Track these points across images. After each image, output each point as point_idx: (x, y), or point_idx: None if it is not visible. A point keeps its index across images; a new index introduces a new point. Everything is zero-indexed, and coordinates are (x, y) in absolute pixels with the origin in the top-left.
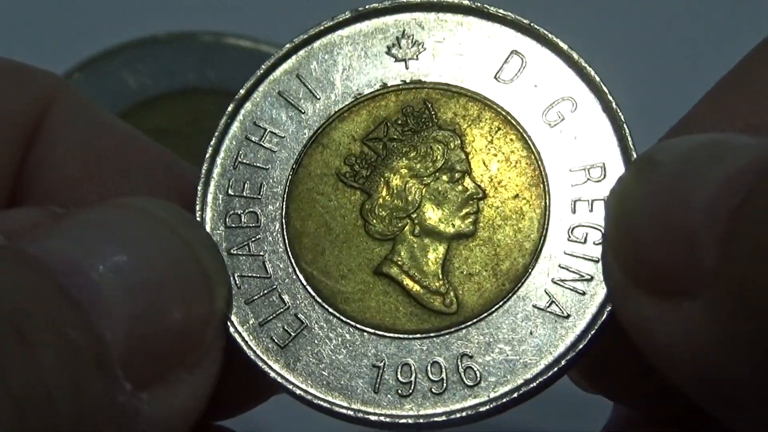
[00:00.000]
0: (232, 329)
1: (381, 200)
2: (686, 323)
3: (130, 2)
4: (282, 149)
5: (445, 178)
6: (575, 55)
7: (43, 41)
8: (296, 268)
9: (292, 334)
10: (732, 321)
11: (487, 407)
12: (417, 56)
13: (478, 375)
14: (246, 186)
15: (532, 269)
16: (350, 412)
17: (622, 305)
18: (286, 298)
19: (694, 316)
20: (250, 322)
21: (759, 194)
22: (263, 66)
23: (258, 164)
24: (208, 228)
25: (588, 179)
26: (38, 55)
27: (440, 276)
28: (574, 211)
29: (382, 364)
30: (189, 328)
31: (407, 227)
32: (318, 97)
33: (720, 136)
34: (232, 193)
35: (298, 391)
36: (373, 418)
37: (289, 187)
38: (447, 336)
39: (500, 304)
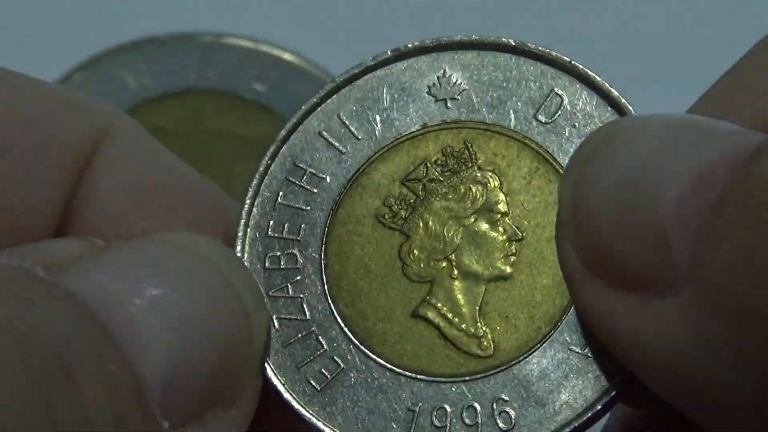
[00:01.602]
0: (270, 371)
1: (419, 242)
2: (656, 322)
3: (131, 2)
4: (322, 190)
5: (483, 219)
6: (615, 94)
7: (44, 41)
8: (334, 311)
9: (329, 377)
10: (707, 323)
11: None
12: (457, 96)
13: (513, 419)
14: (285, 227)
15: (569, 312)
16: None
17: (579, 294)
18: (323, 340)
19: (665, 315)
20: (288, 364)
21: (732, 194)
22: (303, 107)
23: (298, 205)
24: (249, 269)
25: None
26: (39, 55)
27: (477, 318)
28: None
29: (417, 408)
30: (228, 368)
31: (445, 269)
32: (359, 137)
33: (693, 118)
34: (272, 235)
35: None
36: None
37: (328, 229)
38: (483, 380)
39: (536, 347)
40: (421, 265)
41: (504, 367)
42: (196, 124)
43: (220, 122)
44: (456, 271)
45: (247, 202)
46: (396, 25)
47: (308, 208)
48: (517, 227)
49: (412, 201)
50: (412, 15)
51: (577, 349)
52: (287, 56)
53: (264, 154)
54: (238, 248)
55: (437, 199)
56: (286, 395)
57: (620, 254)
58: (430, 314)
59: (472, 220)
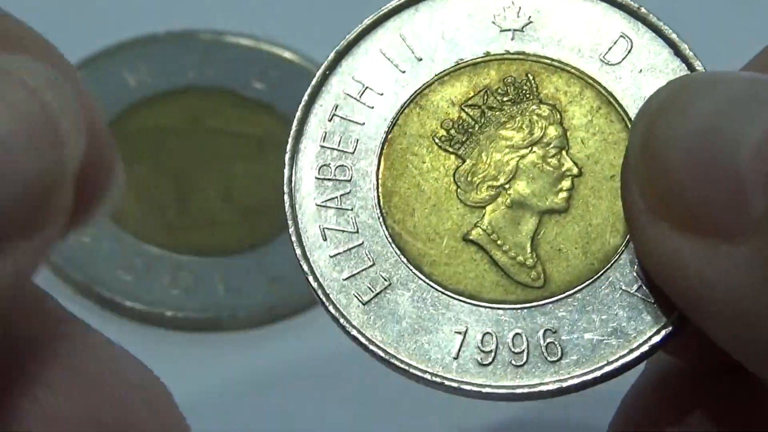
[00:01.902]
0: (313, 281)
1: (475, 168)
2: (723, 266)
3: (130, 1)
4: (379, 107)
5: (541, 152)
6: (684, 46)
7: None
8: (384, 227)
9: (375, 291)
10: None
11: (567, 384)
12: (523, 28)
13: (560, 351)
14: (340, 139)
15: (622, 251)
16: (427, 375)
17: (642, 236)
18: (371, 255)
19: (734, 260)
20: (334, 276)
21: None
22: (366, 21)
23: (353, 119)
24: (299, 176)
25: None
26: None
27: (529, 249)
28: None
29: (464, 330)
30: (32, 195)
31: (500, 197)
32: (419, 58)
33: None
34: (325, 145)
35: (376, 350)
36: (450, 383)
37: (383, 145)
38: (532, 309)
39: (588, 283)
40: (476, 191)
41: (554, 299)
42: (195, 123)
43: (220, 121)
44: (510, 200)
45: (301, 109)
46: None
47: (363, 123)
48: (575, 163)
49: (470, 126)
50: None
51: (630, 289)
52: (287, 55)
53: (322, 66)
54: (288, 156)
55: (496, 127)
56: (330, 307)
57: (692, 199)
58: (482, 240)
59: (529, 151)
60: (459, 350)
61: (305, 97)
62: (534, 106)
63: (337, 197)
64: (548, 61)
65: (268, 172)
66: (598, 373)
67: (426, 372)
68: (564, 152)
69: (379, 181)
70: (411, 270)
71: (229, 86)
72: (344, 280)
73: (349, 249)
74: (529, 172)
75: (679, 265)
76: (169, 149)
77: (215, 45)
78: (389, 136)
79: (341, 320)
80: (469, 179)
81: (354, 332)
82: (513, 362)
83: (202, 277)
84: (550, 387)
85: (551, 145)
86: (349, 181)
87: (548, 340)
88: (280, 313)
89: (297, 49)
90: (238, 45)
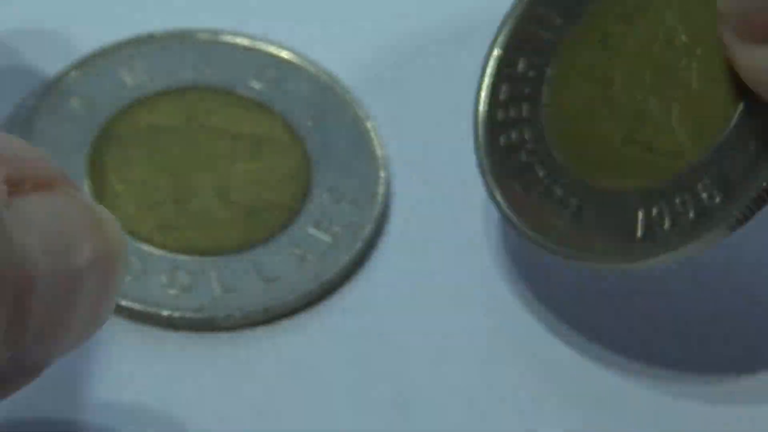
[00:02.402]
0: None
1: (620, 85)
2: None
3: (126, 0)
4: (537, 72)
5: (672, 44)
6: None
7: (40, 39)
8: (568, 162)
9: (572, 211)
10: None
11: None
12: None
13: (708, 206)
14: (513, 110)
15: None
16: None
17: (738, 59)
18: (559, 190)
19: None
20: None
21: None
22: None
23: (522, 87)
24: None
25: None
26: (35, 53)
27: (675, 127)
28: None
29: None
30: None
31: (646, 96)
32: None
33: None
34: (503, 118)
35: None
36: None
37: (548, 94)
38: (689, 174)
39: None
40: (625, 102)
41: (700, 160)
42: (192, 122)
43: (217, 120)
44: (653, 99)
45: (479, 93)
46: (396, 23)
47: (529, 89)
48: (694, 47)
49: (608, 54)
50: (413, 12)
51: None
52: (285, 54)
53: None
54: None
55: (627, 46)
56: (530, 233)
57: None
58: (641, 137)
59: (658, 53)
60: (638, 228)
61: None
62: (654, 13)
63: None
64: None
65: (265, 171)
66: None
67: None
68: (689, 37)
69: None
70: (580, 179)
71: (226, 86)
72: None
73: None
74: (663, 69)
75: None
76: (165, 149)
77: (212, 44)
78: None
79: (517, 223)
80: (619, 94)
81: (527, 231)
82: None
83: (198, 277)
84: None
85: (676, 39)
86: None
87: (703, 194)
88: (276, 313)
89: (294, 49)
90: (235, 44)
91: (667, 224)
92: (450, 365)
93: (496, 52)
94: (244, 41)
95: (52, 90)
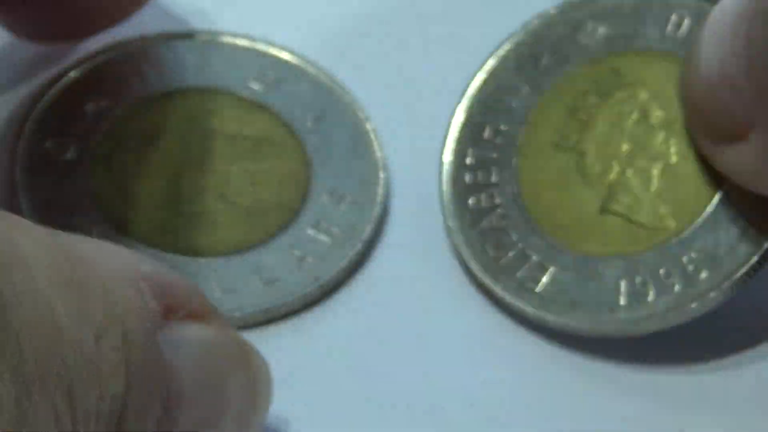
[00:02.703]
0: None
1: (594, 156)
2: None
3: None
4: (505, 138)
5: (643, 126)
6: None
7: None
8: (537, 226)
9: (543, 276)
10: None
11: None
12: (602, 37)
13: (698, 276)
14: (480, 174)
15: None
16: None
17: (704, 152)
18: (531, 252)
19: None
20: (504, 274)
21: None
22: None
23: (488, 153)
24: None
25: None
26: (35, 53)
27: (656, 202)
28: None
29: (623, 282)
30: None
31: (620, 171)
32: (526, 89)
33: None
34: (470, 182)
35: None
36: (610, 328)
37: (517, 165)
38: (673, 246)
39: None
40: (600, 172)
41: (685, 234)
42: (191, 123)
43: (217, 121)
44: (630, 170)
45: (442, 157)
46: (397, 24)
47: (496, 154)
48: (672, 121)
49: (576, 126)
50: (413, 13)
51: None
52: (284, 55)
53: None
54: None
55: (600, 119)
56: (508, 297)
57: (712, 117)
58: (618, 208)
59: (635, 126)
60: (619, 295)
61: (452, 124)
62: (625, 94)
63: (480, 196)
64: (623, 54)
65: (264, 172)
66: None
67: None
68: (662, 115)
69: (522, 194)
70: (554, 245)
71: (225, 87)
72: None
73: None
74: (639, 145)
75: (731, 170)
76: (164, 149)
77: (212, 45)
78: (517, 149)
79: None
80: (592, 166)
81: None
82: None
83: (197, 278)
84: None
85: (650, 118)
86: (499, 205)
87: (691, 266)
88: (276, 314)
89: (294, 50)
90: (235, 45)
91: (651, 295)
92: (449, 366)
93: (461, 117)
94: (244, 42)
95: (57, 87)
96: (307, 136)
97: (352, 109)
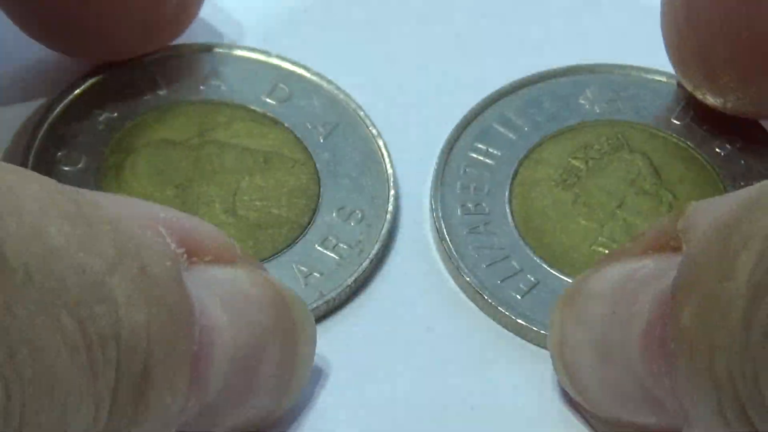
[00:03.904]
0: (473, 287)
1: (590, 199)
2: None
3: None
4: (500, 163)
5: (640, 185)
6: None
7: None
8: (525, 244)
9: (527, 289)
10: None
11: None
12: (605, 103)
13: None
14: (473, 187)
15: None
16: None
17: None
18: (518, 263)
19: None
20: (492, 280)
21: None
22: (473, 105)
23: (481, 173)
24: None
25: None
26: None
27: None
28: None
29: None
30: None
31: (615, 216)
32: (525, 129)
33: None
34: (462, 192)
35: (534, 335)
36: None
37: (510, 188)
38: None
39: None
40: (594, 214)
41: None
42: (204, 136)
43: (229, 134)
44: (623, 221)
45: (434, 167)
46: (408, 43)
47: (490, 174)
48: (667, 189)
49: (579, 171)
50: (423, 33)
51: None
52: (298, 70)
53: (448, 140)
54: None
55: (599, 170)
56: (492, 301)
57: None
58: (607, 250)
59: (631, 185)
60: None
61: (435, 164)
62: (627, 154)
63: (480, 226)
64: (630, 125)
65: (274, 186)
66: None
67: None
68: (659, 183)
69: (514, 213)
70: (554, 273)
71: (239, 100)
72: (501, 281)
73: (499, 260)
74: (634, 199)
75: None
76: (175, 161)
77: (228, 58)
78: (514, 181)
79: (504, 311)
80: (586, 207)
81: (515, 319)
82: None
83: None
84: None
85: (647, 181)
86: (489, 214)
87: None
88: None
89: (309, 65)
90: (250, 59)
91: None
92: (454, 382)
93: (456, 140)
94: (259, 56)
95: (69, 97)
96: (319, 151)
97: (365, 126)
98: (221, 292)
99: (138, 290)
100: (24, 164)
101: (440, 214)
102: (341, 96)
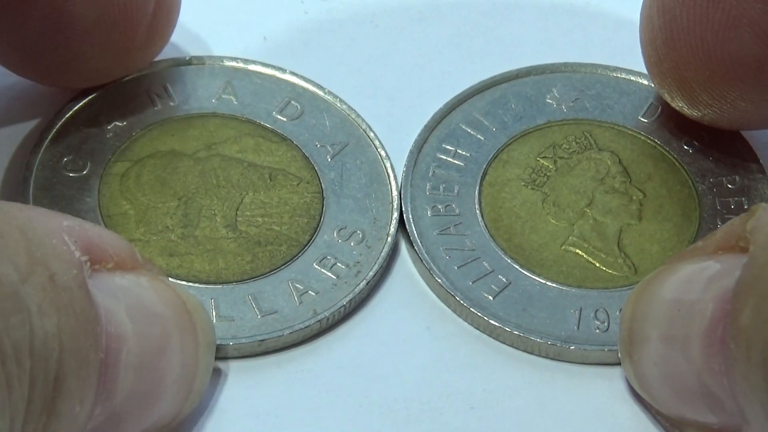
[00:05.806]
0: (445, 288)
1: (559, 199)
2: None
3: None
4: (469, 163)
5: (609, 184)
6: None
7: None
8: (495, 244)
9: (499, 289)
10: None
11: None
12: (572, 102)
13: None
14: (442, 188)
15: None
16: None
17: None
18: (489, 265)
19: None
20: (463, 281)
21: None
22: (441, 106)
23: (450, 173)
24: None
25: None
26: None
27: (617, 250)
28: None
29: (580, 309)
30: None
31: (583, 216)
32: (493, 129)
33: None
34: (431, 194)
35: (507, 336)
36: (573, 348)
37: (480, 188)
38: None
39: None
40: (564, 213)
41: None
42: (210, 149)
43: (236, 149)
44: (593, 220)
45: (403, 170)
46: (419, 62)
47: (459, 175)
48: (637, 187)
49: (548, 170)
50: (434, 52)
51: None
52: (310, 87)
53: (416, 142)
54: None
55: (568, 169)
56: (465, 303)
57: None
58: (578, 249)
59: (600, 184)
60: (579, 323)
61: (404, 168)
62: (595, 153)
63: (450, 228)
64: (598, 123)
65: (276, 203)
66: None
67: (550, 344)
68: (628, 181)
69: (483, 213)
70: (525, 273)
71: (248, 115)
72: (472, 283)
73: (471, 261)
74: (603, 198)
75: None
76: (180, 174)
77: (240, 73)
78: (483, 182)
79: (477, 312)
80: (557, 207)
81: (493, 322)
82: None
83: None
84: None
85: (616, 179)
86: (459, 215)
87: None
88: (271, 346)
89: (321, 83)
90: (262, 75)
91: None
92: (446, 403)
93: (429, 142)
94: (273, 72)
95: (80, 103)
96: (325, 170)
97: (373, 148)
98: (125, 299)
99: (48, 299)
100: (28, 167)
101: (410, 216)
102: (352, 116)
